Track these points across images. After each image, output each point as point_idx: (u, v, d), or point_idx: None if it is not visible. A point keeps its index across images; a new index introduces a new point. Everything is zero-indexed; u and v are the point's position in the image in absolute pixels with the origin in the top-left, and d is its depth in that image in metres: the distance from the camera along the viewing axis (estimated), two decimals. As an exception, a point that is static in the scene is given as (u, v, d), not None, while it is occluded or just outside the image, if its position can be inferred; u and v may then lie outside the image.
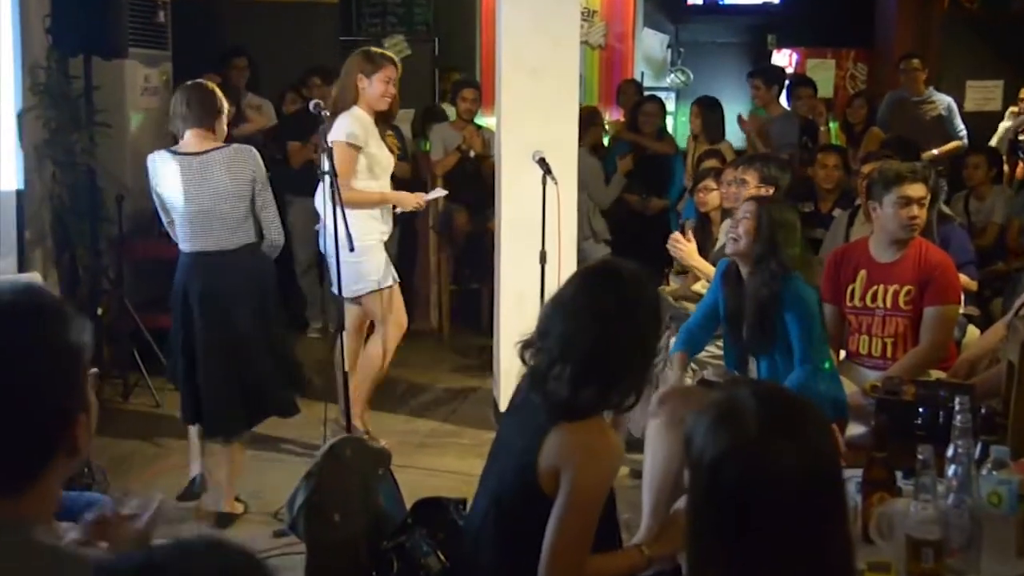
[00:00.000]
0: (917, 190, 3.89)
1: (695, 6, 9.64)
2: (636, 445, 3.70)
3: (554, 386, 2.35)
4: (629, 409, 2.48)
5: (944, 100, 7.34)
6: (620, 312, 2.36)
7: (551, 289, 4.29)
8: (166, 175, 4.12)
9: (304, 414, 4.54)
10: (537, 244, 4.72)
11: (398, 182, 5.20)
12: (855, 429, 3.62)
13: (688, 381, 4.01)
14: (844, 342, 4.11)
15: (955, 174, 6.84)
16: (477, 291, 7.22)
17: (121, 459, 4.85)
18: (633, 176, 7.20)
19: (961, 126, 7.29)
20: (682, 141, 7.90)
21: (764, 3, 9.66)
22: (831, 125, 8.38)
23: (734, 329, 3.83)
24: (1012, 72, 8.19)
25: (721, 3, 9.71)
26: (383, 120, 4.92)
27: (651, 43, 9.48)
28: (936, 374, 3.81)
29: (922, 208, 3.92)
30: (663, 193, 7.22)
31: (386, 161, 4.91)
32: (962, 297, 4.14)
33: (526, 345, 2.47)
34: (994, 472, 2.46)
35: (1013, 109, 7.54)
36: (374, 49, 5.01)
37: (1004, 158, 7.15)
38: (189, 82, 4.28)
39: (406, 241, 7.03)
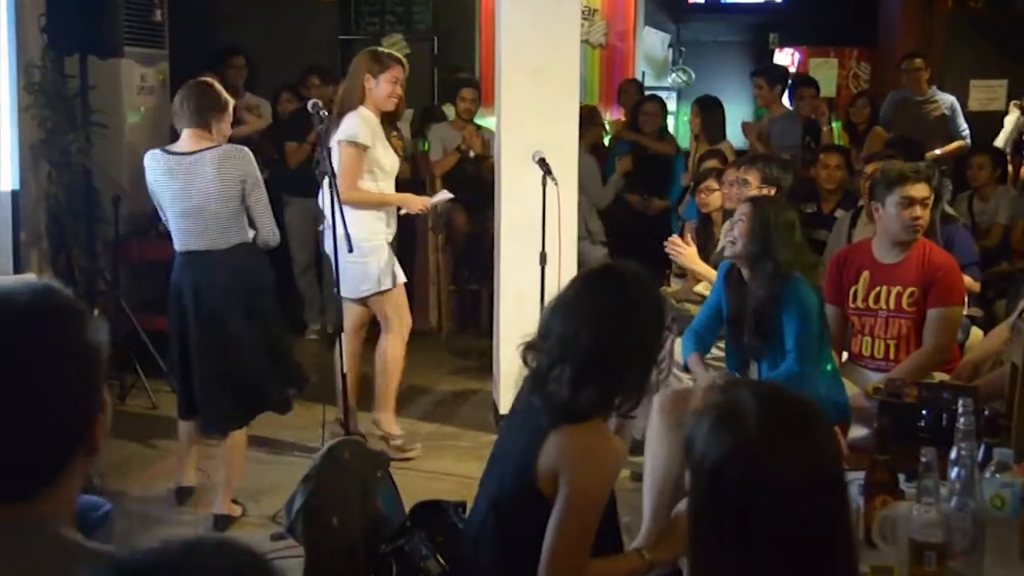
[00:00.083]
0: (920, 190, 3.86)
1: (696, 5, 9.60)
2: (637, 447, 3.68)
3: (554, 388, 2.34)
4: (631, 413, 2.46)
5: (947, 100, 7.32)
6: (621, 314, 2.35)
7: (551, 290, 4.27)
8: (158, 174, 4.14)
9: (303, 416, 4.51)
10: (537, 245, 4.70)
11: (398, 182, 5.18)
12: (857, 431, 3.60)
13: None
14: (847, 343, 4.09)
15: (959, 174, 6.82)
16: (477, 292, 7.20)
17: (119, 461, 4.83)
18: (634, 176, 7.18)
19: (964, 126, 7.26)
20: (683, 141, 7.88)
21: (766, 2, 9.63)
22: (834, 125, 8.36)
23: (736, 332, 3.81)
24: (1016, 71, 8.17)
25: (723, 2, 9.66)
26: (388, 121, 4.90)
27: (652, 42, 9.45)
28: (939, 376, 3.79)
29: (925, 209, 3.89)
30: (664, 193, 7.20)
31: (391, 163, 4.88)
32: (966, 299, 4.11)
33: (528, 347, 2.46)
34: (997, 475, 2.45)
35: (1016, 102, 7.48)
36: (381, 49, 4.99)
37: (1008, 158, 7.11)
38: (191, 80, 4.26)
39: (405, 242, 7.00)
